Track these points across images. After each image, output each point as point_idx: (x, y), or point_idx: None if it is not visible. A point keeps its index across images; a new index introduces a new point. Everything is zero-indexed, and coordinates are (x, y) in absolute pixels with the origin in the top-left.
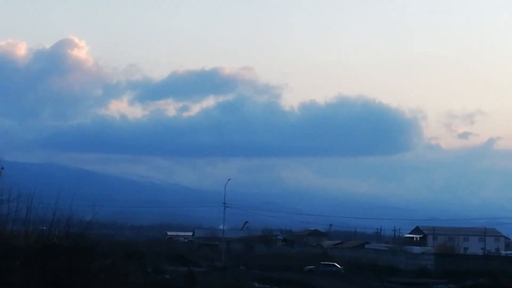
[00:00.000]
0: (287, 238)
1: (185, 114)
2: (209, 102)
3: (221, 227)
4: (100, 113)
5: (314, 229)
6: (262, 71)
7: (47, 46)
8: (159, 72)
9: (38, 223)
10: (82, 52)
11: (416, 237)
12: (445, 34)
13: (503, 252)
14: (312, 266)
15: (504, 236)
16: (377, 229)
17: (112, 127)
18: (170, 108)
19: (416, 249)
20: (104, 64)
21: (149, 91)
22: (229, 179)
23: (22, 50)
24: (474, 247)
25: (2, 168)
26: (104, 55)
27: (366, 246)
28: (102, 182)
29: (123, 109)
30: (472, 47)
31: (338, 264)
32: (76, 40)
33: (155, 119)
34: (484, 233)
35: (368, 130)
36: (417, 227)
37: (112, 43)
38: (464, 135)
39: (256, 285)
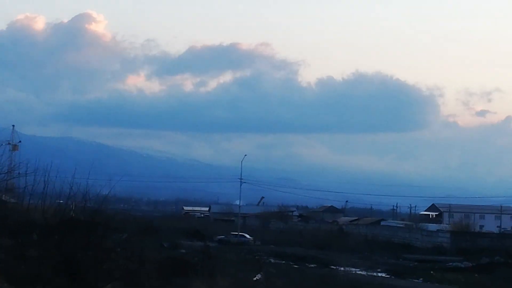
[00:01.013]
0: (302, 214)
1: (202, 90)
2: (226, 77)
3: (237, 202)
4: (117, 88)
5: (330, 205)
6: (280, 47)
7: (65, 20)
8: (176, 47)
9: (55, 197)
10: (100, 26)
11: (432, 214)
12: (463, 11)
13: None
14: (223, 236)
15: None
16: (393, 206)
17: (129, 101)
18: (187, 83)
19: (432, 227)
20: (122, 39)
21: (167, 66)
22: (245, 155)
23: (40, 24)
24: (490, 225)
25: (19, 141)
26: (121, 30)
27: (381, 223)
28: (119, 156)
29: (140, 83)
30: (491, 24)
31: (248, 235)
32: (94, 15)
33: (172, 94)
34: (500, 211)
35: (385, 107)
36: (433, 204)
37: (130, 17)
38: (482, 113)
39: (272, 260)
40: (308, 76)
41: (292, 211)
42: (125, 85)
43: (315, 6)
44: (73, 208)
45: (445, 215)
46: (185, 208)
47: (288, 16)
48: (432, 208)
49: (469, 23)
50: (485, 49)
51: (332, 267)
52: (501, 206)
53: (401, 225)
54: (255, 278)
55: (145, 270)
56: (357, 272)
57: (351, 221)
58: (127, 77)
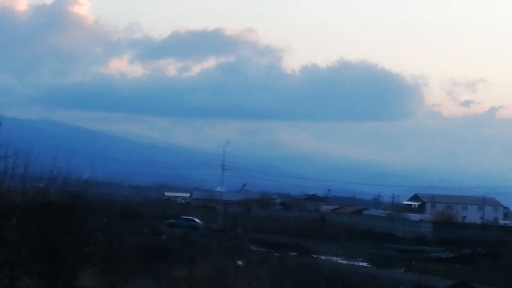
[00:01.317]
0: (285, 202)
1: (185, 75)
2: (210, 63)
3: (219, 189)
4: (99, 71)
5: (312, 193)
6: (264, 33)
7: (48, 2)
8: (160, 31)
9: (36, 180)
10: (82, 9)
11: (414, 204)
12: (449, 0)
13: (501, 222)
14: (173, 220)
15: (503, 205)
16: (376, 195)
17: (111, 85)
18: (170, 68)
19: (414, 217)
20: (105, 22)
21: (150, 50)
22: (227, 141)
23: (22, 5)
24: (473, 216)
25: (0, 124)
26: (105, 13)
27: (364, 212)
28: (100, 140)
29: (123, 67)
30: (476, 14)
31: (197, 219)
32: None
33: (155, 79)
34: (483, 202)
35: (369, 95)
36: (415, 194)
37: (113, 0)
38: (466, 103)
39: (253, 248)
40: (293, 63)
41: (274, 199)
42: (108, 69)
43: None
44: (54, 192)
45: (428, 205)
46: (166, 194)
47: (273, 2)
48: (415, 198)
49: (454, 12)
50: (470, 39)
51: (313, 255)
52: (484, 197)
53: (383, 215)
54: (237, 264)
55: (125, 256)
56: (338, 261)
57: (333, 209)
58: (110, 60)
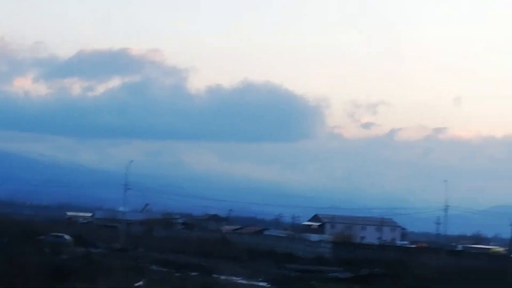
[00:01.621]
0: (187, 222)
1: (90, 94)
2: (115, 82)
3: (121, 208)
4: (3, 90)
5: (214, 213)
6: (170, 54)
7: None
8: (66, 50)
9: None
10: None
11: (314, 224)
12: (350, 24)
13: (399, 242)
14: (43, 236)
15: (401, 226)
16: (277, 215)
17: (15, 104)
18: (75, 87)
19: (314, 237)
20: (10, 40)
21: (55, 69)
22: (131, 161)
23: None
24: (371, 237)
25: None
26: (10, 31)
27: (265, 233)
28: (3, 160)
29: (28, 86)
30: (377, 37)
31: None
32: None
33: (59, 98)
34: (381, 223)
35: (273, 116)
36: (315, 215)
37: (19, 19)
38: (367, 125)
39: (155, 267)
40: (198, 83)
41: (177, 219)
42: (12, 87)
43: (206, 14)
44: None
45: (327, 226)
46: (68, 213)
47: (179, 23)
48: (315, 218)
49: (356, 36)
50: (370, 62)
51: (214, 275)
52: (383, 218)
53: (284, 235)
54: (136, 285)
55: (25, 275)
56: (239, 281)
57: (234, 229)
58: (15, 79)
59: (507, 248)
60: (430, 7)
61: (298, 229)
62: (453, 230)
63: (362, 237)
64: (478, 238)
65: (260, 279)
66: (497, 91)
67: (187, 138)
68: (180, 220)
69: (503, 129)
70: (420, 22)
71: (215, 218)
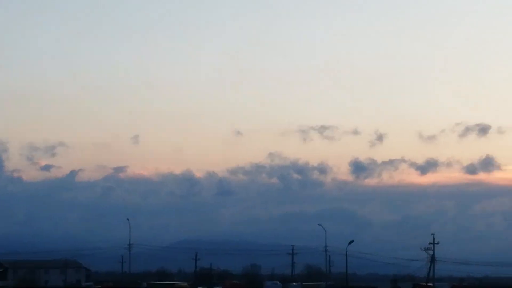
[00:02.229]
0: None
1: None
2: None
3: None
4: None
5: None
6: None
7: None
8: None
9: None
10: None
11: None
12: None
13: (84, 284)
14: None
15: (85, 267)
16: None
17: None
18: None
19: None
20: None
21: None
22: None
23: None
24: (56, 279)
25: None
26: None
27: None
28: None
29: None
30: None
31: None
32: None
33: None
34: (65, 265)
35: None
36: None
37: None
38: (46, 167)
39: None
40: None
41: None
42: None
43: None
44: None
45: (10, 271)
46: None
47: None
48: None
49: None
50: (50, 103)
51: None
52: (66, 260)
53: None
54: None
55: None
56: None
57: None
58: None
59: (192, 282)
60: None
61: None
62: (138, 267)
63: (46, 281)
64: (162, 274)
65: None
66: (173, 127)
67: None
68: None
69: (181, 166)
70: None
71: None
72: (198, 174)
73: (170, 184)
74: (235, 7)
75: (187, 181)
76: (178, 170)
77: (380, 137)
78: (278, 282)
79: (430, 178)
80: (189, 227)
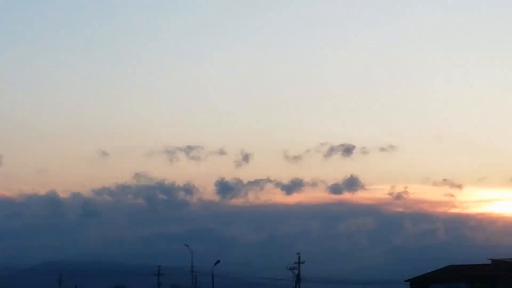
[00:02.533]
0: None
1: None
2: None
3: None
4: None
5: None
6: None
7: None
8: None
9: None
10: None
11: None
12: None
13: None
14: None
15: None
16: None
17: None
18: None
19: None
20: None
21: None
22: None
23: None
24: None
25: None
26: None
27: None
28: None
29: None
30: None
31: None
32: None
33: None
34: None
35: None
36: None
37: None
38: None
39: None
40: None
41: None
42: None
43: None
44: None
45: None
46: None
47: None
48: None
49: None
50: None
51: None
52: None
53: None
54: None
55: None
56: None
57: None
58: None
59: None
60: None
61: None
62: None
63: None
64: None
65: None
66: (36, 147)
67: None
68: None
69: (45, 186)
70: None
71: None
72: (63, 195)
73: (34, 205)
74: None
75: (51, 202)
76: (42, 191)
77: (246, 157)
78: None
79: (295, 198)
80: (53, 248)
